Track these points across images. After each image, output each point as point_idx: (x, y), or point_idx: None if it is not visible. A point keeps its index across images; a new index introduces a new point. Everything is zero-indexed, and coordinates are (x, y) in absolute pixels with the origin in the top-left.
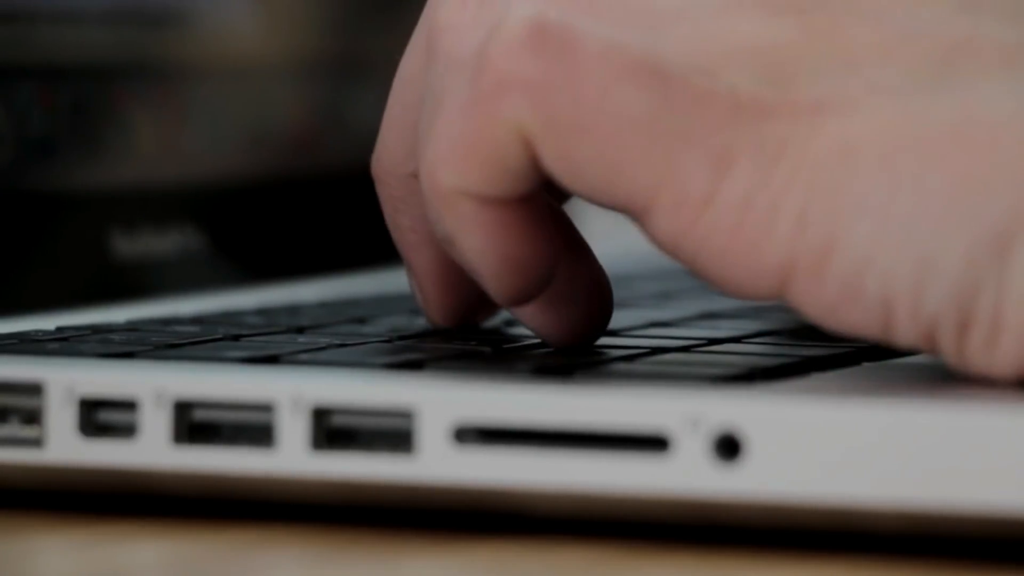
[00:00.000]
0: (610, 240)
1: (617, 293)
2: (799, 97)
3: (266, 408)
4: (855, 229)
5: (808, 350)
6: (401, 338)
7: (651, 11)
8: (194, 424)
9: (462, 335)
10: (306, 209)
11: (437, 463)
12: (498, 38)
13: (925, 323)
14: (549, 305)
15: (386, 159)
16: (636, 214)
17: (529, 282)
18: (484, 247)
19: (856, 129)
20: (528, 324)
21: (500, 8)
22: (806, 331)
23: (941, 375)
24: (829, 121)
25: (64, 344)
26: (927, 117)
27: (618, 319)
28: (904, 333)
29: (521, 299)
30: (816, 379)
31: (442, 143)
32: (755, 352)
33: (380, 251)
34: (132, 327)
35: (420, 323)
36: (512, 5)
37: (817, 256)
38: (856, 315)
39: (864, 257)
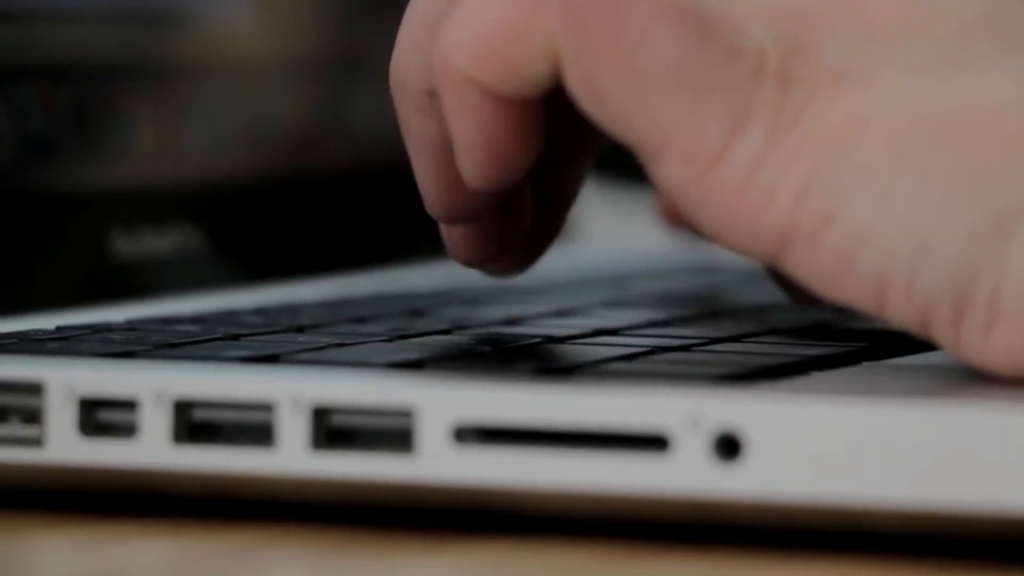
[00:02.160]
0: (610, 240)
1: (617, 293)
2: (819, 66)
3: (266, 408)
4: (856, 202)
5: (808, 350)
6: (401, 338)
7: None
8: (194, 424)
9: (462, 335)
10: (306, 209)
11: (437, 463)
12: None
13: (919, 304)
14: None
15: (401, 73)
16: (648, 154)
17: (504, 174)
18: (475, 133)
19: (869, 103)
20: (454, 239)
21: None
22: (806, 331)
23: (941, 375)
24: (845, 93)
25: (64, 344)
26: (937, 98)
27: (618, 319)
28: (897, 312)
29: (490, 186)
30: (816, 379)
31: (467, 30)
32: (755, 352)
33: (380, 251)
34: (132, 327)
35: (420, 323)
36: None
37: (816, 224)
38: (850, 287)
39: (862, 231)
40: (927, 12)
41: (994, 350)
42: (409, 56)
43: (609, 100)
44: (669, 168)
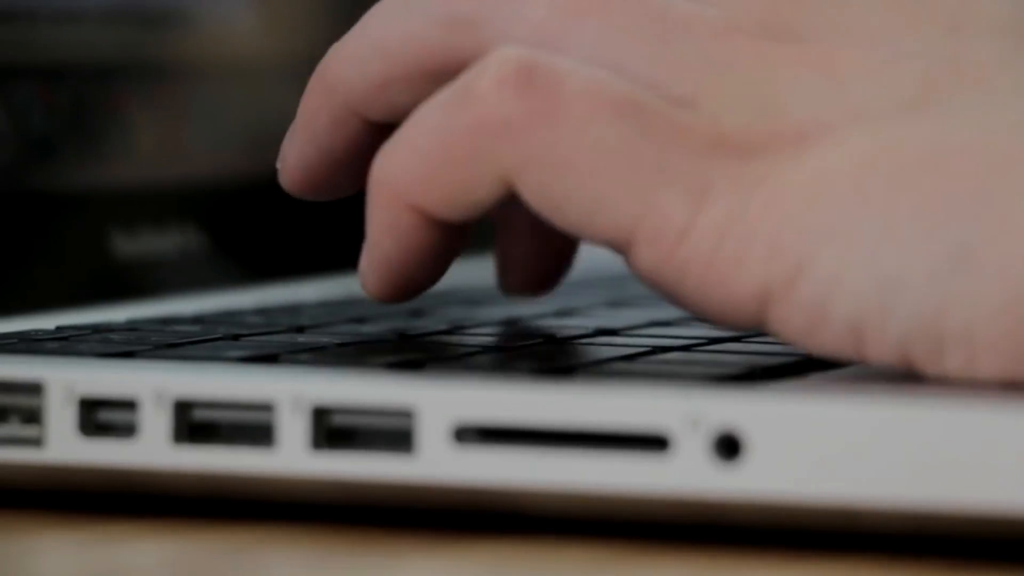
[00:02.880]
0: None
1: (617, 293)
2: (782, 128)
3: (266, 408)
4: (821, 253)
5: None
6: (401, 338)
7: (648, 33)
8: (194, 424)
9: (462, 335)
10: (306, 209)
11: (437, 463)
12: (484, 74)
13: (897, 346)
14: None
15: (333, 79)
16: (619, 248)
17: (406, 294)
18: (395, 253)
19: (831, 158)
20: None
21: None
22: None
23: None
24: (809, 152)
25: (64, 344)
26: (899, 144)
27: (618, 319)
28: (878, 354)
29: (386, 301)
30: (816, 379)
31: (413, 155)
32: (755, 352)
33: None
34: (132, 327)
35: (420, 323)
36: (502, 36)
37: (787, 280)
38: (829, 337)
39: (830, 279)
40: (891, 60)
41: (985, 379)
42: (350, 69)
43: (567, 206)
44: (639, 255)
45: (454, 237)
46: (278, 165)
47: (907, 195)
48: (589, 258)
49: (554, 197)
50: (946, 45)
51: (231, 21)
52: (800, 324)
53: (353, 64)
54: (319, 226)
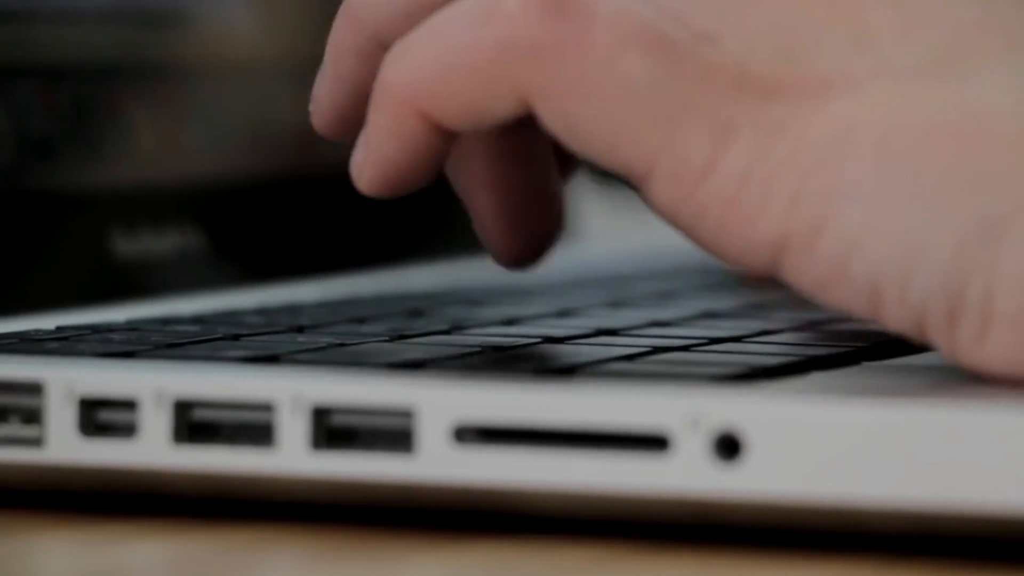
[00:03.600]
0: (610, 240)
1: (617, 293)
2: (806, 75)
3: (266, 408)
4: (845, 211)
5: (808, 350)
6: (401, 338)
7: None
8: (194, 424)
9: (462, 335)
10: (306, 209)
11: (437, 463)
12: None
13: (913, 310)
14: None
15: (360, 9)
16: (636, 179)
17: (397, 191)
18: (394, 155)
19: (857, 111)
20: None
21: None
22: (806, 331)
23: (941, 375)
24: (833, 102)
25: (64, 344)
26: (926, 105)
27: (618, 319)
28: (892, 317)
29: (376, 195)
30: (816, 379)
31: (430, 62)
32: (755, 352)
33: (380, 251)
34: (132, 327)
35: (420, 323)
36: None
37: (808, 234)
38: (845, 294)
39: (853, 240)
40: (922, 19)
41: (989, 354)
42: (382, 4)
43: (588, 133)
44: (658, 190)
45: (453, 143)
46: (310, 108)
47: (933, 158)
48: (589, 258)
49: (576, 123)
50: (976, 10)
51: (231, 21)
52: (817, 277)
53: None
54: (319, 226)
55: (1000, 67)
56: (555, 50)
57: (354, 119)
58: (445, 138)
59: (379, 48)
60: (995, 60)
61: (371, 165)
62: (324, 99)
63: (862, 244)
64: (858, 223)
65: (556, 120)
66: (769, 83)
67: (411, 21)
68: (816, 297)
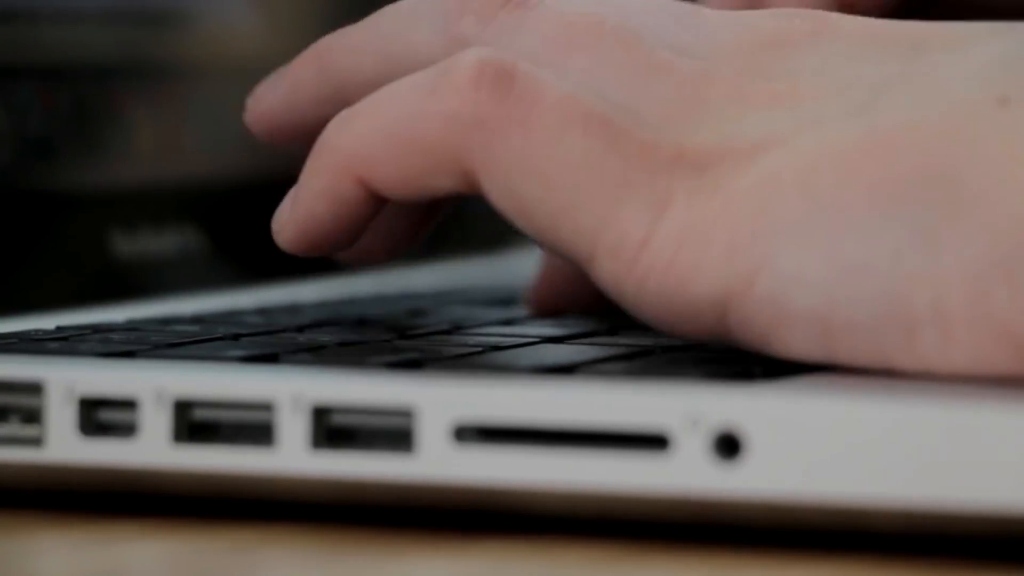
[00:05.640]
0: None
1: None
2: (740, 143)
3: (266, 407)
4: (780, 251)
5: None
6: (401, 338)
7: (631, 71)
8: (194, 423)
9: (462, 335)
10: None
11: (437, 462)
12: (464, 67)
13: (865, 335)
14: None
15: (335, 64)
16: (581, 259)
17: (319, 252)
18: (322, 217)
19: (781, 161)
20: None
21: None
22: None
23: (941, 375)
24: (762, 159)
25: (64, 344)
26: (841, 139)
27: (617, 319)
28: (848, 350)
29: (291, 251)
30: (816, 378)
31: (377, 130)
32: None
33: None
34: (132, 327)
35: (420, 323)
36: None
37: (746, 279)
38: (792, 336)
39: (791, 274)
40: (850, 82)
41: (958, 359)
42: (348, 60)
43: (532, 212)
44: (601, 267)
45: (380, 209)
46: (248, 101)
47: (855, 184)
48: None
49: (521, 202)
50: (905, 61)
51: (231, 21)
52: (762, 324)
53: (351, 57)
54: None
55: (915, 97)
56: (500, 127)
57: (285, 135)
58: (376, 205)
59: (339, 99)
60: (912, 94)
61: (296, 223)
62: (267, 109)
63: (802, 276)
64: (793, 259)
65: (502, 199)
66: (704, 156)
67: (378, 86)
68: (767, 349)
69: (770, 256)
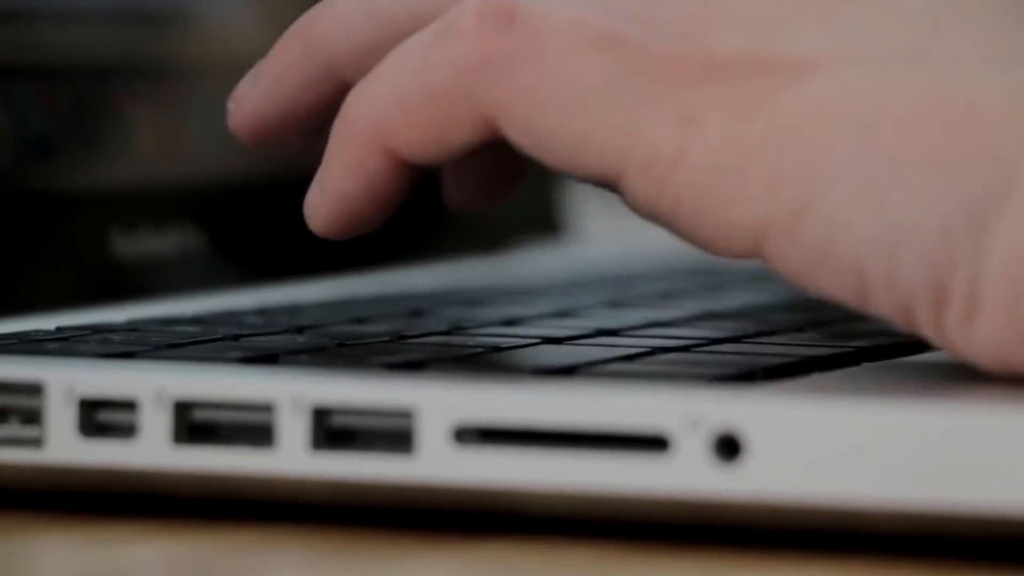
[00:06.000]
0: (610, 240)
1: (617, 293)
2: (776, 56)
3: (266, 408)
4: (830, 193)
5: (808, 350)
6: (401, 338)
7: None
8: (194, 424)
9: (462, 335)
10: None
11: (437, 463)
12: (464, 12)
13: (900, 295)
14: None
15: (317, 40)
16: (610, 182)
17: (352, 232)
18: (353, 191)
19: (835, 93)
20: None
21: None
22: (806, 331)
23: (941, 375)
24: (806, 82)
25: (64, 344)
26: (908, 89)
27: (618, 319)
28: (879, 303)
29: (327, 235)
30: (816, 379)
31: (391, 93)
32: (755, 352)
33: (380, 251)
34: (132, 327)
35: (420, 323)
36: None
37: (791, 217)
38: (831, 279)
39: (839, 221)
40: (894, 14)
41: (977, 340)
42: (337, 29)
43: (554, 143)
44: (632, 188)
45: (415, 180)
46: (230, 105)
47: (917, 143)
48: (589, 258)
49: (540, 134)
50: (950, 10)
51: (231, 21)
52: (802, 261)
53: (341, 23)
54: None
55: (977, 55)
56: (510, 62)
57: (275, 133)
58: (407, 175)
59: (330, 77)
60: (971, 49)
61: (328, 204)
62: (253, 107)
63: (848, 225)
64: (844, 204)
65: (522, 134)
66: (736, 66)
67: (372, 58)
68: (801, 282)
69: (819, 197)
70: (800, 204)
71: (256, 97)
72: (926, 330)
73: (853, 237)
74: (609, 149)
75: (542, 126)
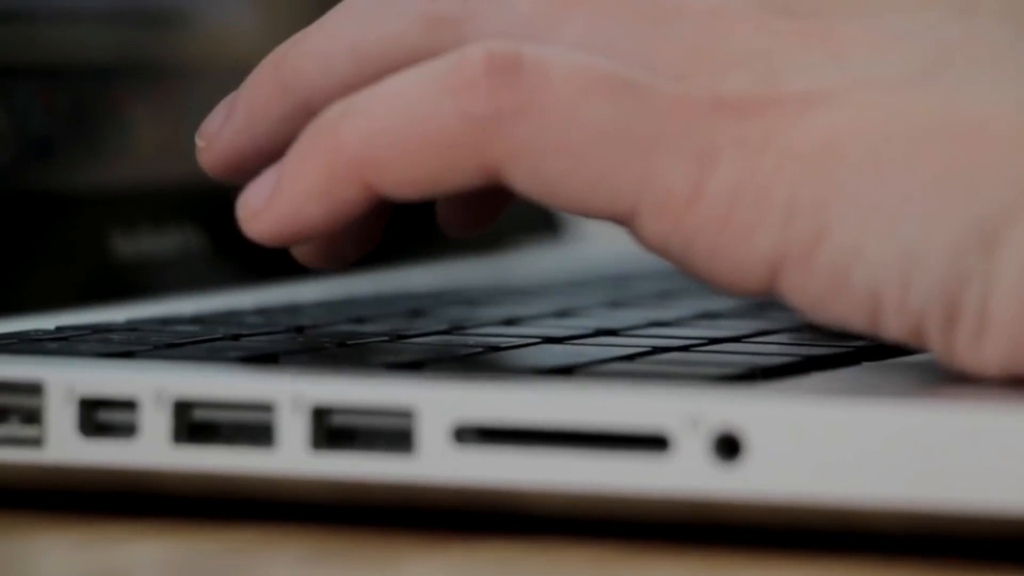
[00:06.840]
0: (610, 240)
1: (617, 293)
2: (785, 90)
3: (266, 408)
4: (843, 219)
5: (808, 350)
6: (401, 338)
7: (638, 18)
8: (194, 424)
9: (462, 335)
10: None
11: (437, 463)
12: (468, 63)
13: (912, 316)
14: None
15: (294, 76)
16: (622, 220)
17: (287, 243)
18: (308, 212)
19: (842, 121)
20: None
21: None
22: (806, 330)
23: (941, 375)
24: (815, 113)
25: (64, 344)
26: (915, 112)
27: (618, 319)
28: (892, 326)
29: (263, 241)
30: (816, 379)
31: (385, 132)
32: (755, 352)
33: (380, 251)
34: (132, 327)
35: (420, 323)
36: (487, 34)
37: (806, 246)
38: (844, 307)
39: (852, 247)
40: (900, 36)
41: (986, 357)
42: (314, 67)
43: (565, 188)
44: (645, 226)
45: (379, 212)
46: (199, 141)
47: (927, 164)
48: (589, 258)
49: (548, 181)
50: (958, 24)
51: (231, 21)
52: (817, 291)
53: (318, 61)
54: None
55: (986, 73)
56: (517, 114)
57: (248, 169)
58: (372, 205)
59: (307, 114)
60: (980, 67)
61: (278, 217)
62: (227, 144)
63: (861, 250)
64: (856, 229)
65: (530, 183)
66: (745, 103)
67: (350, 92)
68: (816, 313)
69: (832, 225)
70: (815, 234)
71: (230, 133)
72: (936, 347)
73: (867, 263)
74: (623, 191)
75: (551, 174)
